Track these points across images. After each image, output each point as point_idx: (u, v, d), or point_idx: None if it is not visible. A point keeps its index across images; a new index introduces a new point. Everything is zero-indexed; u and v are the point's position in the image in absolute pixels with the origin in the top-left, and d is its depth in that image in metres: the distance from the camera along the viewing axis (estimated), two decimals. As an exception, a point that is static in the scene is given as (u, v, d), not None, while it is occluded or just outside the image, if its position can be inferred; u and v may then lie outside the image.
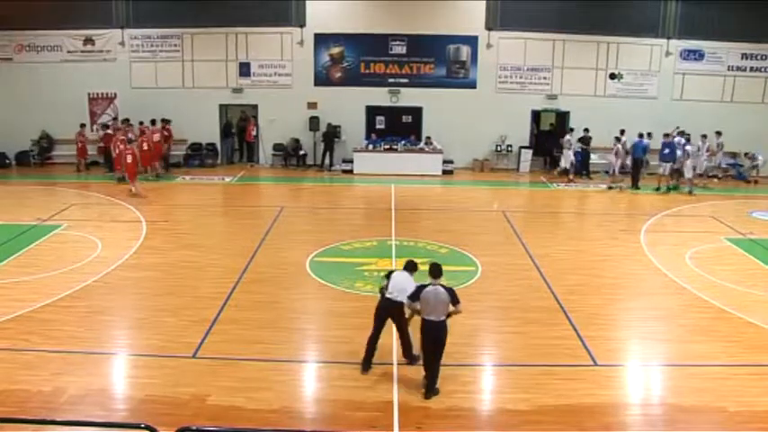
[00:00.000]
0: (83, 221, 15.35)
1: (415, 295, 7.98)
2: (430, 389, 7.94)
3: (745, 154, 22.16)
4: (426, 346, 8.02)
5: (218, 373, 8.41)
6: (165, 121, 21.52)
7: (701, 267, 12.70)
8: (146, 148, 19.67)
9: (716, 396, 7.98)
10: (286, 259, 12.87)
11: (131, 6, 22.11)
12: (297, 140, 22.55)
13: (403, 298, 8.18)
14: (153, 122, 21.08)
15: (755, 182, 21.68)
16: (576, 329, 9.84)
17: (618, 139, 20.54)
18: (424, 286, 7.93)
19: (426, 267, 8.25)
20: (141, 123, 21.24)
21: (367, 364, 8.36)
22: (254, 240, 14.03)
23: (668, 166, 19.78)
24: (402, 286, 8.27)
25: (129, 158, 18.15)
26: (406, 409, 7.61)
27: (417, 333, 8.11)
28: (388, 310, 8.38)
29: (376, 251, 13.45)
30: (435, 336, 7.93)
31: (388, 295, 8.36)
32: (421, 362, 8.22)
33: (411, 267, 8.60)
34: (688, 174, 19.54)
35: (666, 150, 19.73)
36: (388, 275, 8.60)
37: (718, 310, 10.72)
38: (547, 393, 8.00)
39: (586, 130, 21.67)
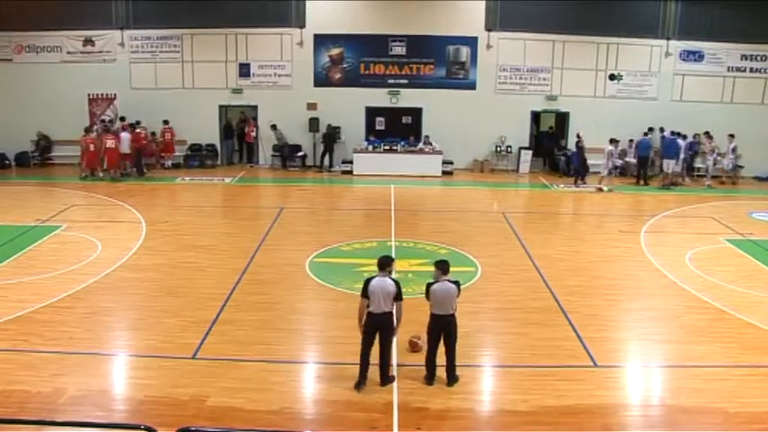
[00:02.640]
0: (83, 222, 15.35)
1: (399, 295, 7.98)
2: (451, 376, 8.13)
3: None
4: (436, 341, 8.10)
5: (217, 373, 8.41)
6: (132, 126, 21.22)
7: (700, 268, 12.70)
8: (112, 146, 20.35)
9: (715, 397, 7.98)
10: (286, 260, 12.87)
11: (131, 7, 22.13)
12: (274, 126, 22.20)
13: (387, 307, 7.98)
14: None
15: (722, 182, 21.42)
16: (575, 330, 9.84)
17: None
18: (432, 283, 7.98)
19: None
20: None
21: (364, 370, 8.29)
22: (253, 241, 14.03)
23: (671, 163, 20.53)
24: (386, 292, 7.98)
25: (92, 147, 20.09)
26: (406, 410, 7.61)
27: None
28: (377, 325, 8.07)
29: (376, 252, 13.39)
30: (446, 331, 8.04)
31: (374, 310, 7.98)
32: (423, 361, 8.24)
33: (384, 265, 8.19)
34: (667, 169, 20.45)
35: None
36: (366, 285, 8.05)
37: (717, 310, 10.72)
38: (546, 394, 8.00)
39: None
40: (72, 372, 8.34)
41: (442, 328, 8.06)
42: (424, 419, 7.45)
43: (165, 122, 21.98)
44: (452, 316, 8.05)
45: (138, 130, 21.16)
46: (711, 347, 9.37)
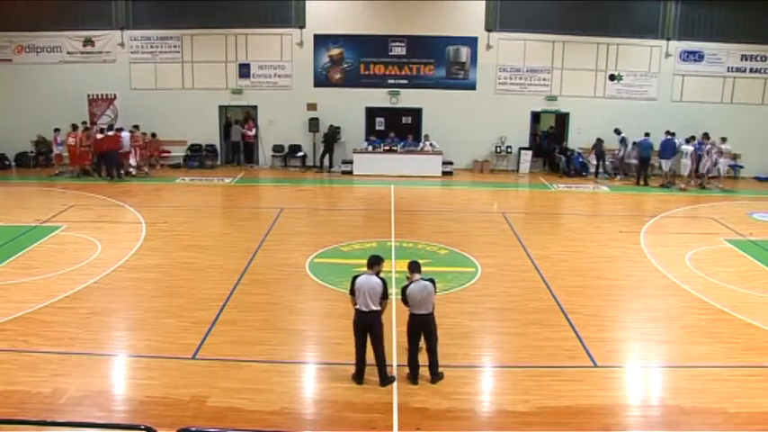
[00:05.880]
0: (82, 223, 15.35)
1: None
2: (435, 374, 8.19)
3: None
4: (416, 340, 8.15)
5: (217, 374, 8.41)
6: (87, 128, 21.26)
7: (700, 268, 12.70)
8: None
9: (715, 397, 7.97)
10: (286, 260, 12.87)
11: (131, 7, 22.15)
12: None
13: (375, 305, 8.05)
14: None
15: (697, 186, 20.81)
16: (575, 331, 9.84)
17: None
18: (408, 284, 8.09)
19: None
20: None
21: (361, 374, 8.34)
22: (253, 241, 14.03)
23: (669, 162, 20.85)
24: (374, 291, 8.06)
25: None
26: (406, 410, 7.61)
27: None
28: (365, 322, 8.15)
29: (376, 252, 13.37)
30: (426, 330, 8.11)
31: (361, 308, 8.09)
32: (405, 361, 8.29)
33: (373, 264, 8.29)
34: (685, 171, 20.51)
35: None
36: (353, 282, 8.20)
37: (717, 311, 10.72)
38: (546, 395, 8.00)
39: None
40: (72, 372, 8.34)
41: (422, 328, 8.11)
42: (424, 420, 7.45)
43: (135, 128, 21.44)
44: (431, 314, 8.12)
45: (100, 134, 20.55)
46: (711, 348, 9.37)
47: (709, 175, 21.13)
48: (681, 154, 20.65)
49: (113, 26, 22.22)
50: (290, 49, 22.38)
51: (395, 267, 12.10)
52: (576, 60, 22.33)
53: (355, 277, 8.20)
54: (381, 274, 8.24)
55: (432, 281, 8.18)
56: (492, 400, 8.15)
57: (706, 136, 20.87)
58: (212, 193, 19.53)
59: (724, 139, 20.76)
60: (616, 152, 22.09)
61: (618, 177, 21.99)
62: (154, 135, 22.16)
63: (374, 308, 8.04)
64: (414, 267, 8.27)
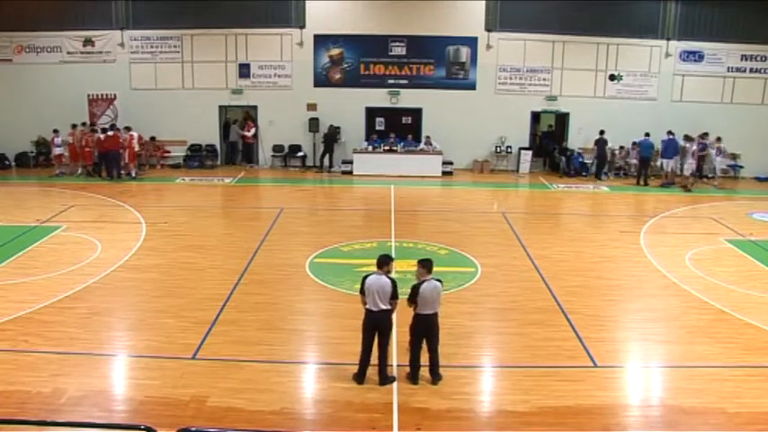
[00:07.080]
0: (82, 223, 15.35)
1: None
2: (435, 374, 8.18)
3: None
4: (420, 340, 8.14)
5: (217, 374, 8.41)
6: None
7: (700, 269, 12.71)
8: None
9: (715, 397, 7.98)
10: (286, 261, 12.87)
11: (131, 7, 22.16)
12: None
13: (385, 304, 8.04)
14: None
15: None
16: (575, 331, 9.84)
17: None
18: (420, 284, 8.04)
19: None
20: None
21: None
22: (253, 241, 14.03)
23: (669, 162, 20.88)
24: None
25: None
26: (406, 410, 7.61)
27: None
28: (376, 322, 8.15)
29: (376, 252, 13.32)
30: (430, 330, 8.10)
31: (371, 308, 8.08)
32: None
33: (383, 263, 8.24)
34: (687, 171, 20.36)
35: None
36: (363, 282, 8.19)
37: (717, 311, 10.73)
38: (546, 395, 8.00)
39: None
40: (72, 372, 8.34)
41: (427, 328, 8.09)
42: (424, 420, 7.45)
43: (126, 129, 21.17)
44: (436, 315, 8.11)
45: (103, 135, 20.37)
46: (711, 348, 9.37)
47: (709, 176, 21.20)
48: (683, 152, 20.65)
49: (113, 26, 22.23)
50: (290, 49, 22.38)
51: (395, 267, 12.07)
52: (575, 60, 22.33)
53: (365, 277, 8.18)
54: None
55: (440, 281, 8.16)
56: (492, 400, 8.15)
57: (702, 136, 20.88)
58: (212, 193, 19.53)
59: (719, 139, 20.79)
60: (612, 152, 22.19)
61: (611, 177, 21.99)
62: (153, 138, 22.19)
63: (384, 307, 8.02)
64: (427, 266, 8.13)
